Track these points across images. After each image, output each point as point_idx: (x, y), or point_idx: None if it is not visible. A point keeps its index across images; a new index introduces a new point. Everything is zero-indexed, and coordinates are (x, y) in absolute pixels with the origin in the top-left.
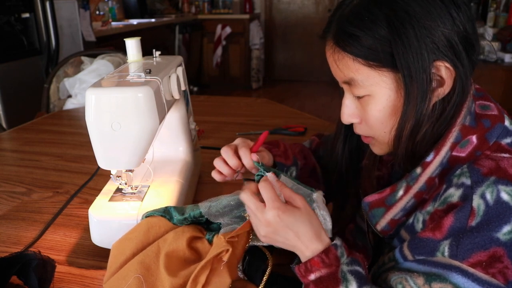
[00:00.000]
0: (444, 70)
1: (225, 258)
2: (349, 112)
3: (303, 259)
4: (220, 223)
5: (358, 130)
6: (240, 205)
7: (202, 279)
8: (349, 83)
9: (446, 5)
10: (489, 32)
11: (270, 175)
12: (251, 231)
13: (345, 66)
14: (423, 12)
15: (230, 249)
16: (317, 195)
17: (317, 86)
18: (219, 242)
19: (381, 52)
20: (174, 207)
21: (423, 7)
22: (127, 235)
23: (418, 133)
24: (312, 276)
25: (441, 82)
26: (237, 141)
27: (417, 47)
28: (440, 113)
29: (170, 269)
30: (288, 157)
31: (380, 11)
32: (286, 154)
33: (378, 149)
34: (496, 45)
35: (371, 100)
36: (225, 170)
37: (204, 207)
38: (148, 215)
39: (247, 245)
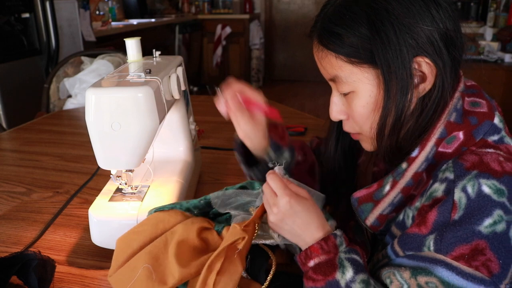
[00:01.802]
0: (425, 65)
1: (240, 246)
2: (336, 109)
3: (305, 248)
4: (228, 214)
5: (346, 127)
6: (246, 197)
7: (217, 266)
8: (334, 80)
9: (426, 3)
10: (489, 32)
11: (277, 168)
12: (257, 225)
13: (329, 64)
14: (403, 10)
15: (247, 237)
16: (331, 223)
17: (317, 86)
18: (235, 230)
19: (361, 49)
20: (178, 203)
21: (403, 5)
22: (134, 228)
23: (401, 128)
24: (311, 263)
25: (423, 78)
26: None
27: (396, 44)
28: (422, 108)
29: (179, 258)
30: (284, 139)
31: (361, 10)
32: (283, 136)
33: (367, 145)
34: (496, 45)
35: (355, 96)
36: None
37: (213, 195)
38: (157, 210)
39: (253, 238)
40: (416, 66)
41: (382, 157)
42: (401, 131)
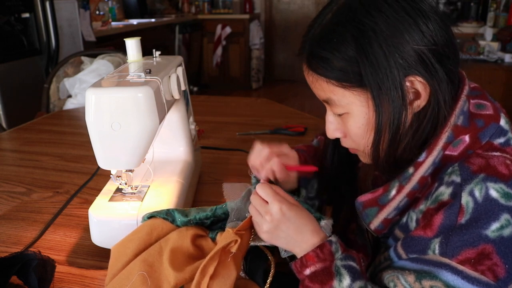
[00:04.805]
0: (418, 84)
1: (234, 249)
2: (333, 128)
3: (301, 255)
4: (223, 223)
5: (344, 143)
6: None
7: (211, 270)
8: (327, 102)
9: (413, 18)
10: (489, 32)
11: (263, 180)
12: (252, 229)
13: (320, 88)
14: (390, 30)
15: (239, 240)
16: (326, 223)
17: None
18: (228, 234)
19: (351, 73)
20: (176, 209)
21: (390, 24)
22: (129, 236)
23: (398, 146)
24: (307, 271)
25: (417, 95)
26: (284, 149)
27: (386, 66)
28: (418, 124)
29: (174, 264)
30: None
31: (347, 32)
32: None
33: (365, 159)
34: (496, 45)
35: (349, 118)
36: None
37: (210, 210)
38: (150, 216)
39: (249, 242)
40: (409, 84)
41: (380, 171)
42: (398, 148)
